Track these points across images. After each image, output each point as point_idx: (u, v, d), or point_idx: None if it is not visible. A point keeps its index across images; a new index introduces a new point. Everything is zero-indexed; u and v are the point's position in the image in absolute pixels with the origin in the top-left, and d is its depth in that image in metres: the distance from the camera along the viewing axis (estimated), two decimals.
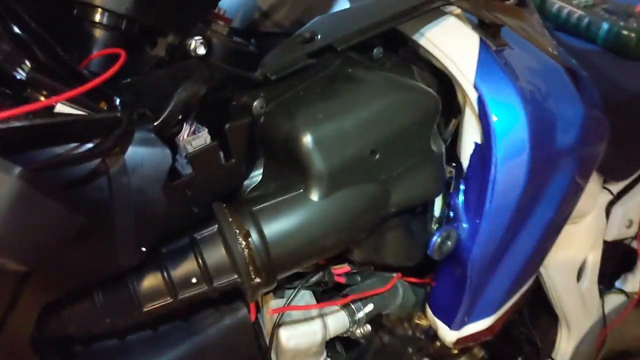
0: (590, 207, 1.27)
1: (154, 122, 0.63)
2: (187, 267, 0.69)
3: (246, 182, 0.76)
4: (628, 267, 1.49)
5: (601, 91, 0.97)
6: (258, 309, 0.86)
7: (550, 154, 0.85)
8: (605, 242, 1.34)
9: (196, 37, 0.71)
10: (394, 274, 0.93)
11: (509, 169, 0.81)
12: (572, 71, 0.90)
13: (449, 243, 0.86)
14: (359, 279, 0.90)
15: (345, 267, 0.86)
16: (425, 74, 0.86)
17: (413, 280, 0.97)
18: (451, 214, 0.89)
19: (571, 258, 1.30)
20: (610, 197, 1.30)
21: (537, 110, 0.82)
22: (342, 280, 0.86)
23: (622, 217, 1.33)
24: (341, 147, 0.71)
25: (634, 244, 1.41)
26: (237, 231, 0.68)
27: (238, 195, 0.76)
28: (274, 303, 0.83)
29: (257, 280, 0.69)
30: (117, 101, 0.59)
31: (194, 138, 0.67)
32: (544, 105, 0.83)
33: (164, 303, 0.69)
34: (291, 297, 0.81)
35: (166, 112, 0.63)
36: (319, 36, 0.78)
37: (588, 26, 1.28)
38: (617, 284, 1.49)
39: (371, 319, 0.92)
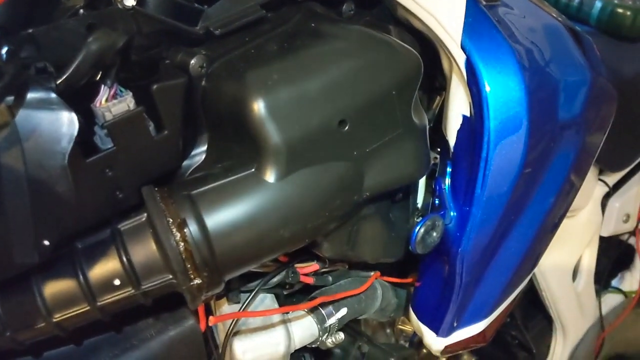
0: (585, 201, 1.19)
1: (56, 80, 0.49)
2: (108, 265, 0.55)
3: (187, 162, 0.62)
4: (625, 265, 1.44)
5: None
6: (210, 314, 0.72)
7: (552, 129, 0.72)
8: (601, 238, 1.28)
9: None
10: (372, 273, 0.80)
11: (504, 147, 0.69)
12: (575, 32, 0.78)
13: (434, 234, 0.73)
14: (330, 279, 0.77)
15: (313, 265, 0.73)
16: (405, 36, 0.73)
17: (394, 280, 0.85)
18: (436, 201, 0.76)
19: (566, 256, 1.24)
20: (606, 189, 1.23)
21: (537, 77, 0.70)
22: (310, 280, 0.73)
23: (618, 211, 1.28)
24: (302, 116, 0.58)
25: (632, 240, 1.36)
26: (170, 220, 0.55)
27: (176, 177, 0.62)
28: (228, 309, 0.70)
29: (197, 281, 0.55)
30: (3, 50, 0.45)
31: (114, 103, 0.54)
32: (545, 70, 0.71)
33: (80, 311, 0.55)
34: (247, 301, 0.68)
35: (72, 67, 0.49)
36: None
37: (580, 6, 1.25)
38: (614, 282, 1.44)
39: (346, 325, 0.79)
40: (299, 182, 0.59)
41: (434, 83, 0.81)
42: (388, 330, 1.07)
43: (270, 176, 0.58)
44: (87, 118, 0.55)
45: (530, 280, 1.19)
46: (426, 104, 0.82)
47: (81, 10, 0.60)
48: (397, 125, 0.65)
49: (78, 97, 0.53)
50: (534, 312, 1.29)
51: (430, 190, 0.78)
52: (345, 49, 0.62)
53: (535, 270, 1.16)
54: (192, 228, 0.55)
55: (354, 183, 0.63)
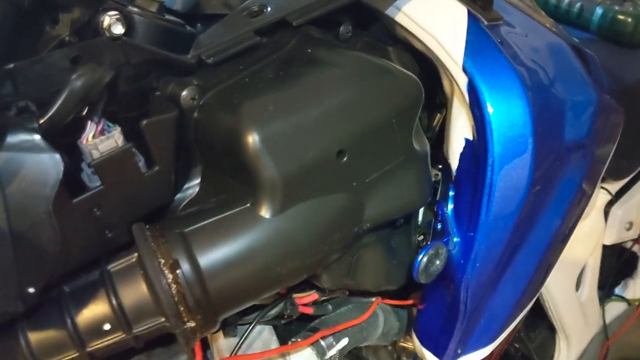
0: (588, 210, 1.15)
1: (39, 120, 0.46)
2: (97, 309, 0.53)
3: (179, 196, 0.60)
4: (629, 273, 1.42)
5: None
6: (207, 348, 0.70)
7: (558, 151, 0.70)
8: (604, 247, 1.26)
9: (110, 13, 0.55)
10: (373, 299, 0.78)
11: (509, 171, 0.67)
12: (579, 50, 0.75)
13: (438, 262, 0.70)
14: (330, 307, 0.75)
15: (312, 295, 0.71)
16: (404, 57, 0.71)
17: (395, 302, 0.82)
18: (439, 225, 0.74)
19: (568, 265, 1.22)
20: (608, 197, 1.21)
21: (542, 98, 0.67)
22: (309, 311, 0.71)
23: (621, 218, 1.26)
24: (299, 148, 0.56)
25: (635, 248, 1.35)
26: (162, 260, 0.52)
27: (168, 213, 0.59)
28: (224, 343, 0.67)
29: (191, 323, 0.53)
30: None
31: (102, 140, 0.51)
32: (549, 91, 0.68)
33: (68, 357, 0.52)
34: (245, 336, 0.65)
35: (55, 106, 0.47)
36: (270, 8, 0.62)
37: (580, 12, 1.25)
38: (618, 290, 1.42)
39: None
40: (296, 217, 0.56)
41: (434, 100, 0.79)
42: (390, 348, 1.04)
43: (266, 211, 0.55)
44: (73, 154, 0.53)
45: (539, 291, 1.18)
46: (426, 122, 0.80)
47: (67, 38, 0.57)
48: (397, 153, 0.62)
49: (63, 132, 0.51)
50: (536, 322, 1.27)
51: (431, 210, 0.76)
52: (342, 76, 0.59)
53: None
54: (185, 269, 0.53)
55: (353, 215, 0.60)
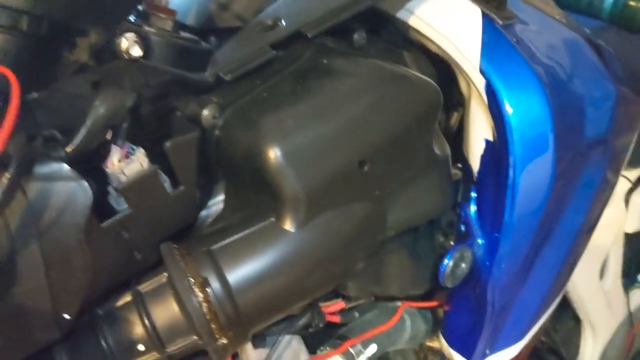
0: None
1: (65, 148, 0.47)
2: (131, 330, 0.53)
3: (204, 213, 0.60)
4: None
5: None
6: (235, 356, 0.70)
7: (579, 147, 0.70)
8: (626, 235, 1.24)
9: (127, 34, 0.56)
10: (399, 303, 0.78)
11: (531, 171, 0.66)
12: (595, 44, 0.75)
13: (463, 265, 0.70)
14: (356, 314, 0.75)
15: (338, 303, 0.71)
16: (420, 60, 0.71)
17: (421, 304, 0.81)
18: (462, 227, 0.74)
19: (591, 255, 1.20)
20: (628, 185, 1.20)
21: (561, 95, 0.67)
22: (336, 319, 0.71)
23: None
24: (320, 161, 0.56)
25: None
26: (192, 280, 0.53)
27: (194, 230, 0.60)
28: (254, 355, 0.67)
29: (223, 340, 0.53)
30: None
31: (127, 163, 0.52)
32: (568, 87, 0.68)
33: None
34: (274, 347, 0.65)
35: (81, 134, 0.47)
36: (284, 22, 0.62)
37: (591, 0, 1.19)
38: None
39: None
40: (320, 229, 0.56)
41: (451, 100, 0.78)
42: (416, 347, 1.04)
43: (290, 225, 0.56)
44: (99, 177, 0.53)
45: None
46: (444, 121, 0.79)
47: (87, 62, 0.58)
48: (419, 159, 0.62)
49: (88, 157, 0.51)
50: (561, 314, 1.25)
51: (454, 212, 0.76)
52: (359, 86, 0.59)
53: None
54: (215, 287, 0.53)
55: (377, 223, 0.60)
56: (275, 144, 0.55)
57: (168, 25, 0.66)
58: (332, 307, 0.71)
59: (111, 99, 0.49)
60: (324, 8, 0.62)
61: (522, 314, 0.79)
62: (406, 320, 0.79)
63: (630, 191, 1.21)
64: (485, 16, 0.68)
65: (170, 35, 0.65)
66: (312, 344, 0.73)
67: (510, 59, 0.66)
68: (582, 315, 1.22)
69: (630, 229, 1.24)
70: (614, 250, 1.23)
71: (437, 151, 0.64)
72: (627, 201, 1.22)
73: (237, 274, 0.54)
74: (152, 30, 0.63)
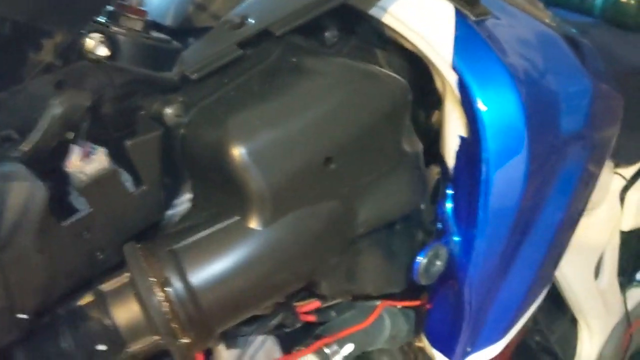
0: (602, 196, 1.14)
1: (22, 148, 0.47)
2: (92, 330, 0.53)
3: (171, 213, 0.60)
4: None
5: None
6: (209, 354, 0.69)
7: (555, 143, 0.69)
8: (622, 233, 1.22)
9: (94, 35, 0.56)
10: (377, 302, 0.77)
11: (505, 167, 0.66)
12: (572, 40, 0.74)
13: (438, 263, 0.70)
14: (333, 313, 0.74)
15: (313, 303, 0.70)
16: (393, 58, 0.70)
17: (402, 304, 0.81)
18: (439, 225, 0.73)
19: (586, 254, 1.20)
20: (623, 182, 1.18)
21: (534, 91, 0.66)
22: (312, 319, 0.70)
23: (638, 203, 1.21)
24: (285, 159, 0.55)
25: None
26: (153, 279, 0.52)
27: (161, 230, 0.59)
28: (227, 355, 0.67)
29: (185, 340, 0.53)
30: None
31: (87, 163, 0.51)
32: (541, 83, 0.67)
33: None
34: (246, 348, 0.65)
35: (37, 134, 0.47)
36: (252, 20, 0.62)
37: None
38: (638, 276, 1.38)
39: None
40: (286, 227, 0.56)
41: (432, 98, 0.78)
42: (406, 348, 1.03)
43: (256, 223, 0.55)
44: (61, 178, 0.53)
45: (552, 281, 1.16)
46: (424, 120, 0.79)
47: (52, 63, 0.58)
48: (388, 156, 0.62)
49: (50, 157, 0.51)
50: (557, 314, 1.25)
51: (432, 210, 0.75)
52: (326, 84, 0.59)
53: (556, 271, 1.13)
54: (176, 286, 0.53)
55: (346, 221, 0.60)
56: (240, 142, 0.54)
57: (138, 25, 0.66)
58: (307, 307, 0.70)
59: (69, 99, 0.49)
60: (293, 6, 0.62)
61: (503, 312, 0.78)
62: (385, 319, 0.78)
63: (625, 189, 1.20)
64: (458, 12, 0.67)
65: (140, 35, 0.65)
66: (289, 345, 0.73)
67: (482, 55, 0.65)
68: (578, 315, 1.21)
69: (626, 227, 1.23)
70: (609, 248, 1.21)
71: (406, 148, 0.63)
72: (622, 199, 1.21)
73: (199, 273, 0.54)
74: (120, 30, 0.63)
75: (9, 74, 0.55)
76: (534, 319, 1.25)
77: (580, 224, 1.06)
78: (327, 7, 0.63)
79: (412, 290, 0.83)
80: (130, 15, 0.65)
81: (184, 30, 0.81)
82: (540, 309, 1.23)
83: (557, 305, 1.22)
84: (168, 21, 0.84)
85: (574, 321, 1.24)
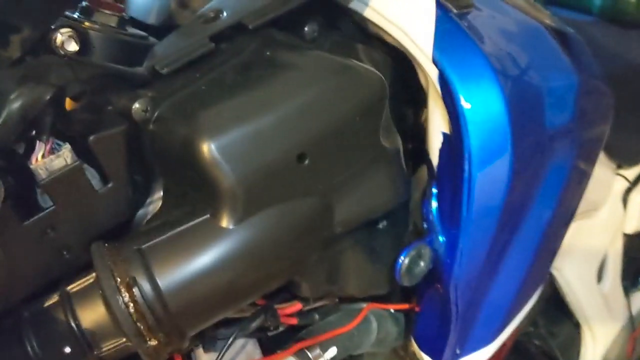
0: (604, 198, 1.13)
1: None
2: (57, 332, 0.51)
3: (142, 211, 0.58)
4: None
5: (602, 65, 0.81)
6: (188, 357, 0.68)
7: (540, 139, 0.67)
8: (625, 235, 1.21)
9: (63, 30, 0.54)
10: (364, 304, 0.75)
11: (488, 163, 0.64)
12: (559, 33, 0.72)
13: (422, 264, 0.68)
14: (316, 316, 0.72)
15: (295, 305, 0.68)
16: (375, 54, 0.68)
17: (390, 307, 0.79)
18: (424, 225, 0.71)
19: (588, 257, 1.18)
20: (626, 184, 1.16)
21: (517, 84, 0.64)
22: (293, 321, 0.68)
23: None
24: (255, 154, 0.54)
25: None
26: (119, 279, 0.51)
27: (131, 229, 0.58)
28: (206, 358, 0.65)
29: (153, 342, 0.51)
30: None
31: (51, 159, 0.50)
32: (525, 77, 0.65)
33: None
34: (224, 352, 0.63)
35: None
36: (226, 13, 0.60)
37: None
38: None
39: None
40: (258, 226, 0.54)
41: (420, 95, 0.76)
42: (402, 352, 1.01)
43: (226, 221, 0.54)
44: (27, 176, 0.52)
45: (553, 285, 1.14)
46: (412, 118, 0.77)
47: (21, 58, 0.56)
48: (364, 153, 0.60)
49: (11, 154, 0.50)
50: (559, 318, 1.23)
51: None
52: (299, 78, 0.57)
53: (557, 274, 1.11)
54: (142, 286, 0.51)
55: (322, 219, 0.58)
56: (209, 137, 0.53)
57: (112, 21, 0.64)
58: (289, 309, 0.68)
59: (27, 93, 0.48)
60: None
61: (493, 313, 0.76)
62: (372, 322, 0.76)
63: (628, 190, 1.18)
64: (439, 5, 0.65)
65: (113, 30, 0.63)
66: (271, 348, 0.71)
67: (463, 48, 0.63)
68: (580, 320, 1.19)
69: (630, 230, 1.21)
70: (612, 251, 1.19)
71: (385, 144, 0.61)
72: (625, 201, 1.19)
73: (167, 273, 0.52)
74: (92, 26, 0.62)
75: None
76: (534, 322, 1.23)
77: (582, 226, 1.04)
78: (303, 0, 0.61)
79: (402, 292, 0.82)
80: (104, 10, 0.64)
81: (166, 28, 0.80)
82: (541, 312, 1.22)
83: (559, 309, 1.20)
84: (151, 19, 0.83)
85: (576, 326, 1.22)
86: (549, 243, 0.79)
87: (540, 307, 1.21)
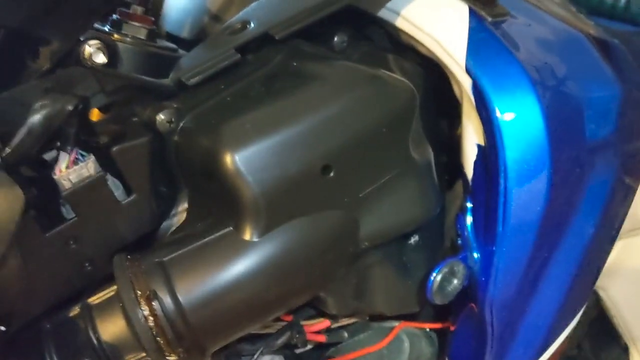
0: None
1: (2, 153, 0.46)
2: (77, 345, 0.51)
3: (167, 223, 0.58)
4: None
5: None
6: None
7: (580, 152, 0.63)
8: None
9: (91, 42, 0.55)
10: (395, 323, 0.73)
11: (524, 177, 0.61)
12: (602, 43, 0.69)
13: (455, 281, 0.65)
14: (345, 334, 0.70)
15: (323, 322, 0.67)
16: (407, 64, 0.66)
17: (420, 325, 0.76)
18: (459, 240, 0.68)
19: (636, 276, 1.10)
20: None
21: (556, 95, 0.61)
22: (321, 338, 0.67)
23: None
24: (279, 166, 0.52)
25: None
26: (139, 292, 0.50)
27: (156, 241, 0.57)
28: None
29: (172, 358, 0.50)
30: None
31: (74, 170, 0.50)
32: (564, 87, 0.62)
33: None
34: None
35: (17, 139, 0.46)
36: (253, 24, 0.59)
37: (627, 6, 1.14)
38: None
39: None
40: (281, 239, 0.53)
41: (455, 107, 0.74)
42: None
43: (249, 234, 0.52)
44: (51, 187, 0.52)
45: (599, 305, 1.09)
46: (447, 131, 0.75)
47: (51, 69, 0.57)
48: (392, 164, 0.58)
49: (35, 164, 0.50)
50: (605, 341, 1.18)
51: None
52: (324, 88, 0.56)
53: (603, 294, 1.06)
54: (163, 300, 0.50)
55: (347, 233, 0.56)
56: (233, 149, 0.52)
57: (142, 33, 0.65)
58: (316, 326, 0.67)
59: (50, 104, 0.48)
60: (295, 9, 0.60)
61: (531, 335, 0.72)
62: (404, 342, 0.74)
63: None
64: (472, 13, 0.63)
65: (142, 43, 0.63)
66: None
67: (498, 57, 0.61)
68: (628, 342, 1.13)
69: None
70: None
71: (414, 155, 0.59)
72: None
73: (188, 287, 0.51)
74: (121, 38, 0.62)
75: (4, 81, 0.55)
76: (578, 345, 1.18)
77: (632, 244, 0.99)
78: (331, 10, 0.60)
79: (437, 310, 0.79)
80: (133, 22, 0.65)
81: (199, 41, 0.80)
82: (586, 335, 1.17)
83: (606, 331, 1.14)
84: (185, 33, 0.84)
85: (624, 348, 1.16)
86: (592, 261, 0.75)
87: (584, 329, 1.15)
